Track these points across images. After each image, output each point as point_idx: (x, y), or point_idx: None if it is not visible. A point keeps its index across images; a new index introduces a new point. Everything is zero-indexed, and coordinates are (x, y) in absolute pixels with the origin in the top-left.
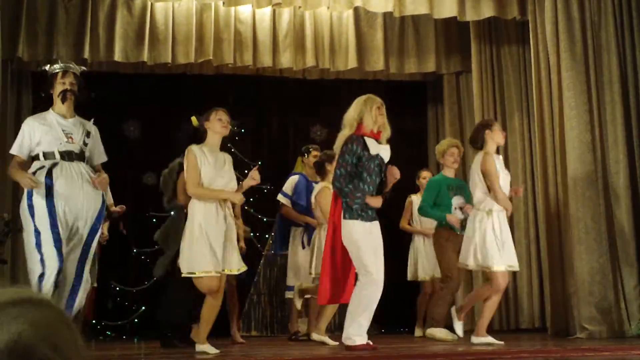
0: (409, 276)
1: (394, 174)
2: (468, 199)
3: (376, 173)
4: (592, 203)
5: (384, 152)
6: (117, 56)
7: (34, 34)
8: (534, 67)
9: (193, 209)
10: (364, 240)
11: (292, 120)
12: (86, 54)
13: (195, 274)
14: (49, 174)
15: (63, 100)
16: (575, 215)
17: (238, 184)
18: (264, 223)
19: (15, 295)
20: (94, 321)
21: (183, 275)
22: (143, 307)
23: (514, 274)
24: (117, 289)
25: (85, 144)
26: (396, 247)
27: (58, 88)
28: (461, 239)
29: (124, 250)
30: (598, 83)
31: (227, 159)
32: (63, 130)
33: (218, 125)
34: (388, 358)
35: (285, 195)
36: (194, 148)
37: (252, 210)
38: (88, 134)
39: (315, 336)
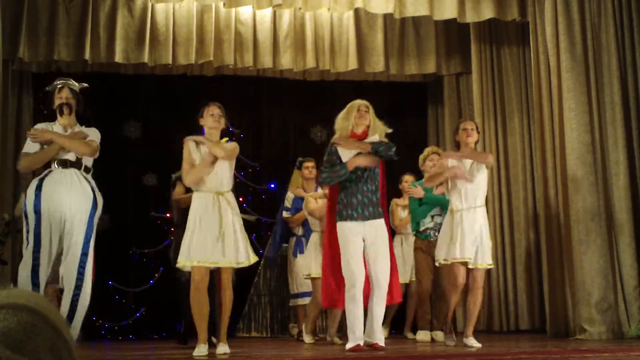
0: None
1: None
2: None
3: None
4: (591, 205)
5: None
6: (118, 57)
7: (34, 34)
8: (533, 68)
9: (193, 201)
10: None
11: (292, 121)
12: (87, 55)
13: (192, 263)
14: (41, 182)
15: (60, 113)
16: (575, 217)
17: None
18: (264, 223)
19: None
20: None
21: (178, 265)
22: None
23: (513, 276)
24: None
25: None
26: None
27: (56, 102)
28: (433, 245)
29: (124, 251)
30: (598, 84)
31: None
32: None
33: (210, 120)
34: (388, 358)
35: (286, 209)
36: (189, 141)
37: (253, 214)
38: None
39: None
